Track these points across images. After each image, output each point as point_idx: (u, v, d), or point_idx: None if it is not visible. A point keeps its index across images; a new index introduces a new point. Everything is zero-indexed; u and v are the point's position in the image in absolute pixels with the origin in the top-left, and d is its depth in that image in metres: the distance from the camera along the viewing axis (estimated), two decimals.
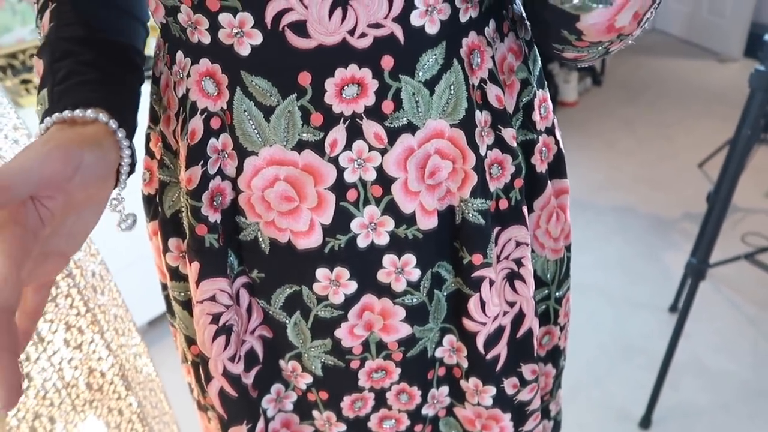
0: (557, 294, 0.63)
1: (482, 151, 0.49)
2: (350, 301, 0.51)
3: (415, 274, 0.51)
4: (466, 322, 0.54)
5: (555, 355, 0.66)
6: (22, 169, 0.36)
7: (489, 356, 0.55)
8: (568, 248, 0.61)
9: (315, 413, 0.59)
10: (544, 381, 0.68)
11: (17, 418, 0.56)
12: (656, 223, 2.19)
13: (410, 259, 0.50)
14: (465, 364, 0.56)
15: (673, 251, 2.02)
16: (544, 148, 0.55)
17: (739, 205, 2.23)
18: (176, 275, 0.53)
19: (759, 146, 2.52)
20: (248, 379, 0.54)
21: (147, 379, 0.68)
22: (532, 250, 0.59)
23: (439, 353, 0.57)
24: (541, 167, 0.55)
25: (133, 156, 0.45)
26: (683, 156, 2.58)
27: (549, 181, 0.56)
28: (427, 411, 0.60)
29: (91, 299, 0.58)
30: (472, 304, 0.52)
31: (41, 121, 0.43)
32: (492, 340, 0.55)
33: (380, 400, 0.58)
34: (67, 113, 0.41)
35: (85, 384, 0.60)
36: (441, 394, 0.60)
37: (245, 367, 0.53)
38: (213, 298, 0.49)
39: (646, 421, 1.46)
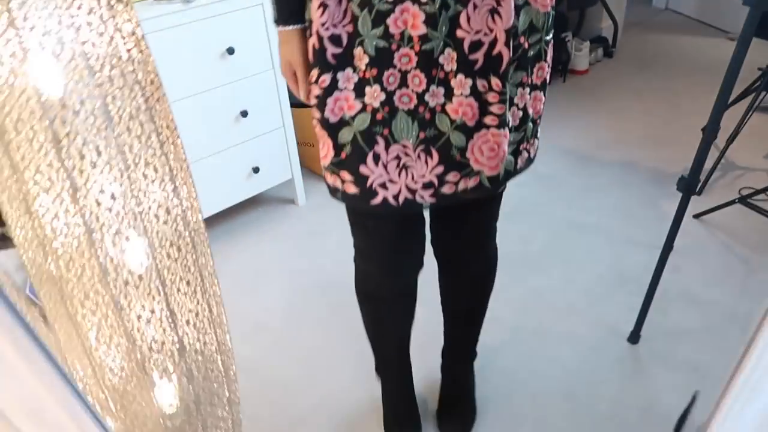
0: (546, 38, 0.95)
1: None
2: (396, 1, 0.85)
3: None
4: (458, 32, 0.87)
5: (545, 86, 1.00)
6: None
7: (471, 57, 0.88)
8: (553, 7, 0.94)
9: (366, 89, 0.92)
10: (540, 105, 1.01)
11: (67, 223, 0.67)
12: (658, 176, 2.28)
13: None
14: (455, 66, 0.89)
15: (672, 200, 2.12)
16: None
17: (738, 163, 2.32)
18: None
19: (760, 113, 2.61)
20: (330, 47, 0.89)
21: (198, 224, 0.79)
22: (528, 3, 0.90)
23: (441, 59, 0.89)
24: None
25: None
26: (688, 120, 2.67)
27: None
28: (429, 99, 0.91)
29: (155, 105, 0.69)
30: (463, 18, 0.85)
31: (283, 23, 0.95)
32: (474, 47, 0.87)
33: (403, 80, 0.90)
34: (294, 26, 0.94)
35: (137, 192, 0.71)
36: (439, 91, 0.91)
37: (331, 42, 0.89)
38: None
39: (634, 336, 1.57)
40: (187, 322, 0.99)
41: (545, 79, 0.98)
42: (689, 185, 1.31)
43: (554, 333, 1.63)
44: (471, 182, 0.96)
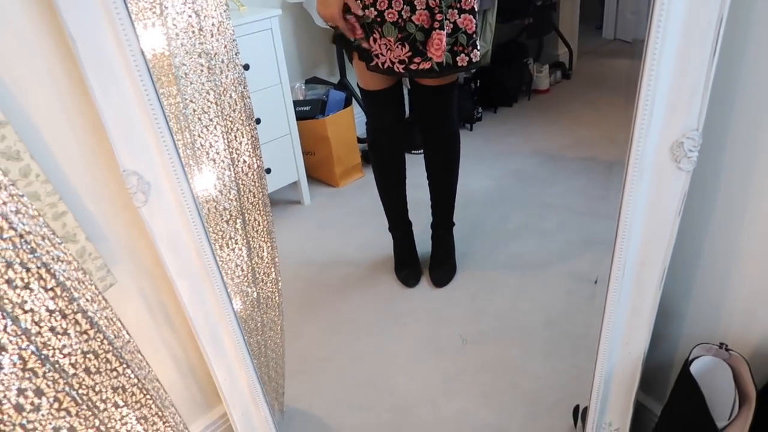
0: None
1: None
2: None
3: None
4: None
5: (473, 11, 1.55)
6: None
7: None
8: None
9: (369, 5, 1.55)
10: (471, 24, 1.56)
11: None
12: (614, 165, 2.65)
13: None
14: None
15: None
16: None
17: None
18: None
19: None
20: None
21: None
22: None
23: None
24: None
25: None
26: None
27: None
28: (402, 13, 1.52)
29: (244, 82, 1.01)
30: None
31: None
32: None
33: (389, 3, 1.53)
34: None
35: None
36: (407, 8, 1.52)
37: None
38: None
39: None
40: (257, 254, 1.29)
41: (473, 6, 1.57)
42: None
43: (534, 284, 1.94)
44: (426, 65, 1.60)
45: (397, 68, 1.61)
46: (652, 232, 0.86)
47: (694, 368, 0.93)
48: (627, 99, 3.50)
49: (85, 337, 0.55)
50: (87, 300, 0.57)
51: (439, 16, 1.52)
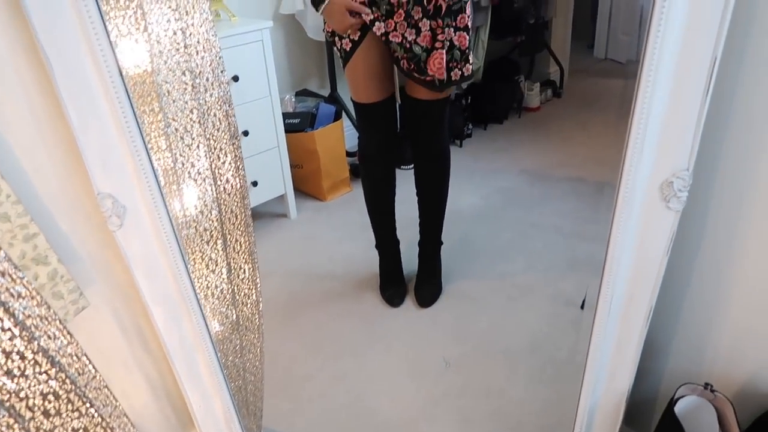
0: (464, 0, 1.54)
1: None
2: None
3: None
4: None
5: (467, 28, 1.58)
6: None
7: (428, 7, 1.53)
8: None
9: (376, 23, 1.56)
10: (465, 40, 1.60)
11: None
12: (602, 187, 2.65)
13: None
14: (420, 15, 1.54)
15: None
16: None
17: None
18: None
19: None
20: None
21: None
22: None
23: (412, 12, 1.54)
24: None
25: None
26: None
27: None
28: (407, 36, 1.57)
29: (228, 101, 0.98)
30: None
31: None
32: (428, 1, 1.52)
33: (394, 27, 1.57)
34: None
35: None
36: (412, 31, 1.56)
37: (363, 4, 1.54)
38: None
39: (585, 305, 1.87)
40: (238, 275, 1.26)
41: (467, 24, 1.59)
42: None
43: (519, 305, 1.92)
44: (428, 79, 1.63)
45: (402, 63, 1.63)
46: (640, 269, 0.84)
47: (678, 408, 0.91)
48: (618, 119, 3.51)
49: (45, 377, 0.52)
50: (49, 337, 0.54)
51: (441, 36, 1.55)
